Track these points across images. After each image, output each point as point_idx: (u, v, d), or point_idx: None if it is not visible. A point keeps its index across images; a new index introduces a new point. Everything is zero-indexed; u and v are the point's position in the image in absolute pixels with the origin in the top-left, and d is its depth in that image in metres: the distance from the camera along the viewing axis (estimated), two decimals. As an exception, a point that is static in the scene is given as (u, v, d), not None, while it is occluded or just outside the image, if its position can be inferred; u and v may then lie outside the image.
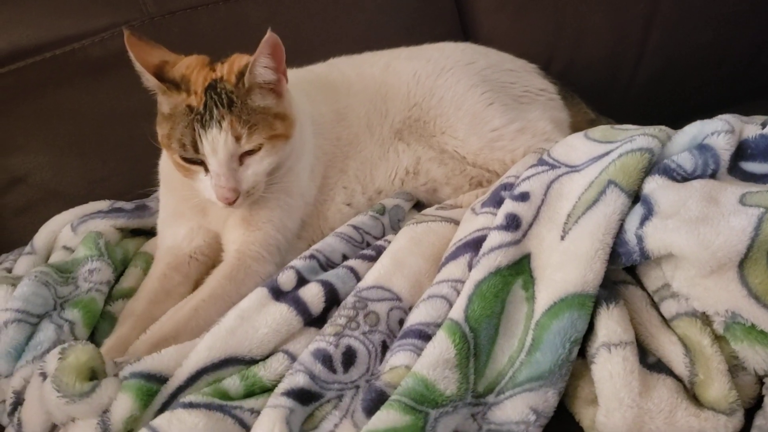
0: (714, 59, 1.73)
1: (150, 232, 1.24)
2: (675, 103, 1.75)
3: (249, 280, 1.05)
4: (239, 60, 1.05)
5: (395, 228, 1.13)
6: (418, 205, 1.26)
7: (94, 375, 0.84)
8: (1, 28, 1.41)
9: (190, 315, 1.00)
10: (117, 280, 1.12)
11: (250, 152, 1.03)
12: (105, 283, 1.06)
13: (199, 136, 0.99)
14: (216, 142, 0.99)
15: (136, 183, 1.28)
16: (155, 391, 0.83)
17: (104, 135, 1.42)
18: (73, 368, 0.80)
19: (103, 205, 1.29)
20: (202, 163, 1.03)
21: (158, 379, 0.84)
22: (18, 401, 0.87)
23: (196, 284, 1.12)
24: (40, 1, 1.43)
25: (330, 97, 1.26)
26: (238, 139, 1.00)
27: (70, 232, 1.21)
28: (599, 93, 1.61)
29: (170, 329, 0.98)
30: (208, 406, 0.79)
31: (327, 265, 1.01)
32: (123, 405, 0.80)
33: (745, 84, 1.79)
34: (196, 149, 1.00)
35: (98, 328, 1.03)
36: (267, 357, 0.88)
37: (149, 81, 1.03)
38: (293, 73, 1.21)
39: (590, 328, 0.82)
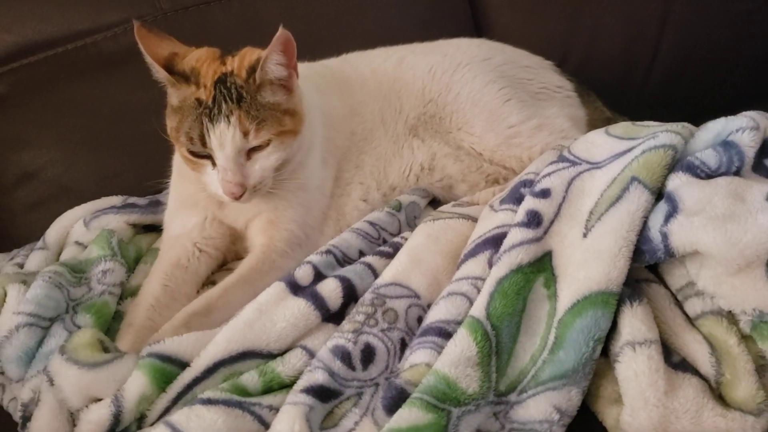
0: (730, 58, 1.72)
1: (162, 229, 1.23)
2: (691, 101, 1.73)
3: (273, 272, 1.05)
4: (250, 54, 1.04)
5: (411, 225, 1.12)
6: (434, 202, 1.25)
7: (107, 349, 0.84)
8: (14, 22, 1.40)
9: (220, 294, 1.01)
10: (128, 278, 1.11)
11: (258, 147, 1.02)
12: (118, 284, 1.05)
13: (207, 130, 0.99)
14: (224, 137, 0.98)
15: (149, 178, 1.27)
16: (171, 374, 0.83)
17: (116, 130, 1.41)
18: (84, 343, 0.81)
19: (117, 200, 1.28)
20: (209, 157, 1.02)
21: (175, 362, 0.84)
22: (26, 416, 0.85)
23: (203, 283, 1.12)
24: (52, -3, 1.43)
25: (343, 91, 1.26)
26: (246, 134, 1.00)
27: (83, 228, 1.20)
28: (614, 91, 1.60)
29: (202, 306, 0.98)
30: (227, 403, 0.78)
31: (343, 260, 1.00)
32: (137, 383, 0.80)
33: (762, 82, 1.77)
34: (204, 143, 1.00)
35: (109, 329, 1.01)
36: (285, 352, 0.87)
37: (159, 73, 1.02)
38: (305, 67, 1.21)
39: (613, 327, 0.80)
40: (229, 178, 1.00)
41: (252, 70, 1.02)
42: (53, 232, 1.22)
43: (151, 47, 1.01)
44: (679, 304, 0.84)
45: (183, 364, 0.84)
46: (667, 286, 0.86)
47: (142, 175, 1.32)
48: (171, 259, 1.11)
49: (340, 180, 1.21)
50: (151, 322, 1.01)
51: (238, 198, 1.02)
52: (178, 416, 0.77)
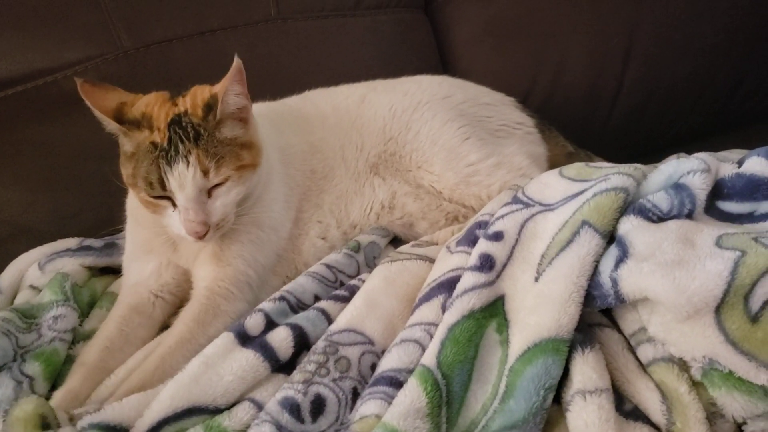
0: (694, 91, 1.74)
1: (119, 271, 1.21)
2: (655, 134, 1.75)
3: (218, 321, 1.03)
4: (202, 91, 1.04)
5: (371, 265, 1.11)
6: (395, 240, 1.24)
7: (47, 425, 0.80)
8: (-27, 62, 1.39)
9: (156, 364, 0.96)
10: (82, 322, 1.09)
11: (218, 184, 1.01)
12: (69, 330, 1.03)
13: (165, 172, 0.97)
14: (183, 178, 0.97)
15: (108, 218, 1.26)
16: (115, 442, 0.80)
17: (76, 170, 1.40)
18: (21, 420, 0.78)
19: (72, 242, 1.26)
20: (169, 199, 1.01)
21: (118, 430, 0.81)
22: None
23: (160, 327, 1.09)
24: (12, 35, 1.41)
25: (302, 128, 1.25)
26: (206, 173, 0.99)
27: (38, 271, 1.18)
28: (579, 125, 1.62)
29: (137, 383, 0.93)
30: (170, 460, 0.76)
31: (298, 306, 0.99)
32: None
33: (725, 115, 1.80)
34: (163, 186, 0.98)
35: (60, 375, 0.99)
36: (232, 405, 0.85)
37: (109, 125, 1.02)
38: (263, 106, 1.21)
39: (565, 373, 0.79)
40: (192, 217, 0.99)
41: (209, 107, 1.01)
42: (7, 276, 1.20)
43: (97, 101, 1.00)
44: (632, 350, 0.83)
45: (127, 431, 0.81)
46: (620, 331, 0.85)
47: (101, 216, 1.32)
48: (129, 304, 1.10)
49: (299, 221, 1.20)
50: (103, 364, 1.00)
51: (202, 237, 1.00)
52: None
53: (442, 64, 1.71)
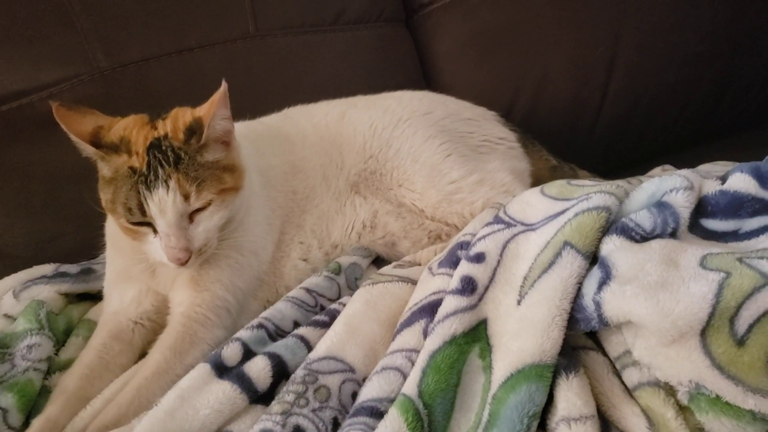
0: (678, 100, 1.73)
1: (96, 296, 1.20)
2: (641, 144, 1.74)
3: (195, 349, 1.01)
4: (183, 115, 1.02)
5: (352, 287, 1.09)
6: (378, 260, 1.22)
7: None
8: (-53, 84, 1.36)
9: (132, 397, 0.94)
10: (58, 351, 1.07)
11: (200, 208, 0.99)
12: (44, 360, 1.01)
13: (145, 198, 0.95)
14: (164, 203, 0.95)
15: (87, 242, 1.24)
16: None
17: (54, 193, 1.37)
18: None
19: (48, 269, 1.24)
20: (149, 224, 0.99)
21: None
22: None
23: (140, 353, 1.07)
24: (-14, 57, 1.39)
25: (283, 148, 1.23)
26: (186, 197, 0.97)
27: (12, 299, 1.16)
28: (563, 137, 1.61)
29: (112, 417, 0.91)
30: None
31: (276, 334, 0.97)
32: None
33: (711, 124, 1.79)
34: (143, 212, 0.96)
35: (35, 406, 0.97)
36: (210, 439, 0.82)
37: (86, 150, 1.00)
38: (242, 126, 1.19)
39: (550, 399, 0.77)
40: (173, 244, 0.97)
41: (191, 130, 0.99)
42: (-19, 305, 1.17)
43: (73, 126, 0.98)
44: (618, 373, 0.81)
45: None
46: (605, 353, 0.83)
47: (79, 240, 1.30)
48: (110, 331, 1.07)
49: (281, 243, 1.18)
50: (83, 392, 0.98)
51: (184, 263, 0.98)
52: None
53: (425, 78, 1.70)
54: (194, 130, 0.99)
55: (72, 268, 1.24)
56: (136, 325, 1.09)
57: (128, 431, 0.82)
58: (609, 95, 1.68)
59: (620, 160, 1.65)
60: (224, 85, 0.97)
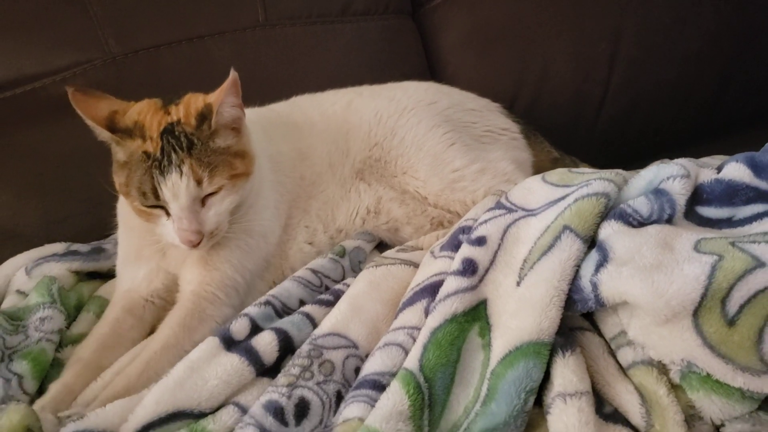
0: (679, 97, 1.75)
1: (106, 275, 1.22)
2: (641, 140, 1.76)
3: (203, 325, 1.03)
4: (195, 101, 1.04)
5: (356, 270, 1.12)
6: (381, 245, 1.24)
7: (32, 434, 0.81)
8: (-38, 67, 1.39)
9: (141, 369, 0.96)
10: (69, 325, 1.09)
11: (212, 193, 1.01)
12: (56, 331, 1.04)
13: (158, 182, 0.98)
14: (177, 188, 0.98)
15: (97, 223, 1.27)
16: (99, 449, 0.80)
17: (65, 175, 1.40)
18: (8, 428, 0.77)
19: (59, 247, 1.26)
20: (163, 207, 1.01)
21: None
22: None
23: (150, 329, 1.09)
24: (1, 41, 1.42)
25: (292, 135, 1.26)
26: (199, 182, 0.99)
27: (24, 276, 1.18)
28: (565, 131, 1.63)
29: (121, 388, 0.93)
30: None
31: (283, 311, 0.99)
32: None
33: (711, 122, 1.80)
34: (157, 196, 0.99)
35: (48, 376, 0.99)
36: (217, 410, 0.85)
37: (102, 134, 1.02)
38: (252, 112, 1.21)
39: (547, 377, 0.80)
40: (185, 226, 0.99)
41: (202, 116, 1.01)
42: (-5, 282, 1.20)
43: (89, 110, 1.00)
44: (613, 353, 0.84)
45: (110, 438, 0.82)
46: (601, 335, 0.86)
47: (90, 221, 1.32)
48: (123, 307, 1.11)
49: (287, 227, 1.20)
50: (97, 361, 1.01)
51: (195, 245, 1.01)
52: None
53: (430, 70, 1.72)
54: (205, 116, 1.01)
55: (83, 247, 1.26)
56: (147, 302, 1.12)
57: (138, 400, 0.85)
58: (610, 90, 1.70)
59: (621, 156, 1.66)
60: (233, 73, 0.99)
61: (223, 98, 1.00)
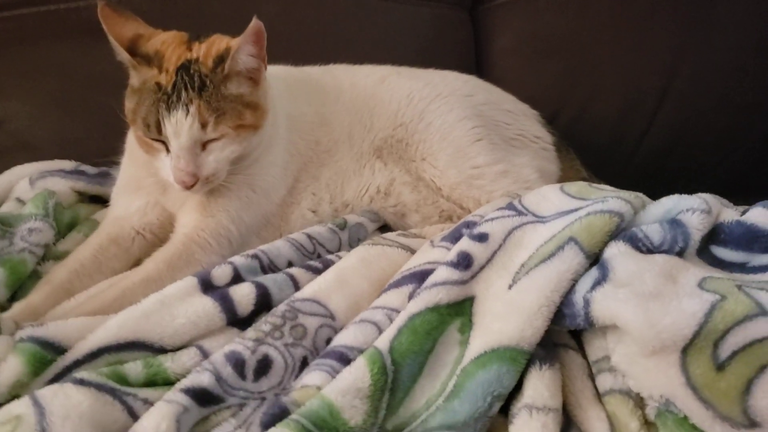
0: (726, 145, 1.70)
1: (108, 201, 1.21)
2: (677, 180, 1.68)
3: (188, 268, 1.01)
4: (219, 42, 1.02)
5: (353, 245, 1.08)
6: (385, 228, 1.21)
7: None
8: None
9: (116, 296, 0.94)
10: (57, 242, 1.09)
11: (215, 138, 1.00)
12: (42, 245, 1.02)
13: (163, 117, 0.96)
14: (180, 126, 0.96)
15: (111, 150, 1.25)
16: (50, 361, 0.78)
17: (89, 96, 1.39)
18: None
19: (68, 164, 1.26)
20: (164, 143, 1.00)
21: (55, 349, 0.79)
22: None
23: (135, 263, 1.08)
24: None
25: (316, 99, 1.24)
26: (204, 125, 0.97)
27: (27, 185, 1.18)
28: (600, 156, 1.59)
29: (91, 309, 0.91)
30: (99, 387, 0.74)
31: (269, 268, 0.97)
32: (12, 368, 0.76)
33: (752, 178, 1.74)
34: (160, 130, 0.97)
35: (24, 287, 0.98)
36: (179, 349, 0.83)
37: (121, 55, 1.01)
38: (282, 69, 1.19)
39: (519, 387, 0.76)
40: (182, 166, 0.98)
41: (220, 59, 0.99)
42: (-3, 186, 1.20)
43: (115, 28, 0.99)
44: (593, 377, 0.80)
45: (64, 351, 0.80)
46: (585, 356, 0.82)
47: (105, 146, 1.30)
48: (109, 234, 1.09)
49: (293, 189, 1.18)
50: (69, 285, 0.99)
51: (189, 187, 0.99)
52: (45, 391, 0.72)
53: (476, 67, 1.69)
54: (223, 58, 0.99)
55: (90, 169, 1.26)
56: (138, 235, 1.10)
57: (101, 321, 0.83)
58: (655, 124, 1.65)
59: (653, 192, 1.62)
60: (255, 22, 0.97)
61: (240, 44, 0.98)
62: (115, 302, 0.93)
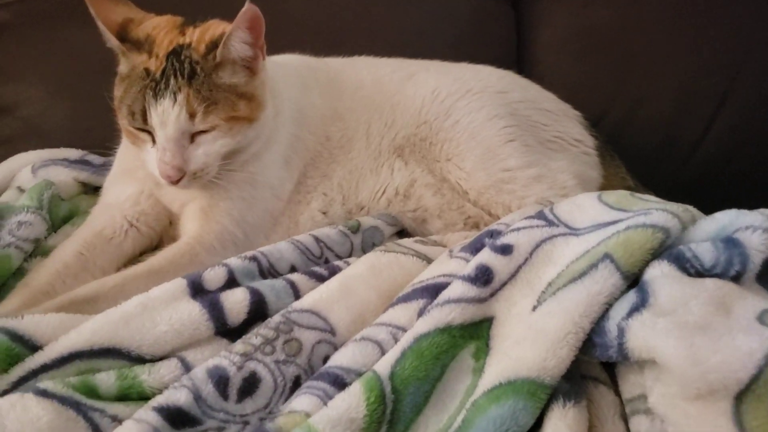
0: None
1: (111, 193, 1.15)
2: (734, 191, 1.56)
3: (191, 267, 0.94)
4: (215, 28, 0.97)
5: (367, 251, 0.99)
6: (403, 234, 1.12)
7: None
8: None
9: (115, 283, 0.89)
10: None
11: (205, 130, 0.94)
12: (31, 240, 0.97)
13: (149, 105, 0.91)
14: (167, 115, 0.91)
15: (121, 137, 1.19)
16: (20, 356, 0.72)
17: (102, 82, 1.32)
18: None
19: (73, 153, 1.22)
20: (150, 133, 0.94)
21: (27, 344, 0.73)
22: None
23: (126, 262, 1.02)
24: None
25: (332, 92, 1.16)
26: (192, 116, 0.92)
27: (29, 174, 1.15)
28: (650, 163, 1.48)
29: (89, 293, 0.87)
30: (63, 400, 0.67)
31: (269, 272, 0.89)
32: None
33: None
34: (145, 119, 0.92)
35: (7, 285, 0.92)
36: (160, 359, 0.75)
37: (110, 41, 0.96)
38: (298, 59, 1.12)
39: (539, 423, 0.66)
40: (167, 159, 0.92)
41: (213, 45, 0.94)
42: (-1, 172, 1.16)
43: (102, 11, 0.94)
44: (626, 418, 0.69)
45: (36, 348, 0.73)
46: (618, 393, 0.71)
47: (116, 135, 1.25)
48: (95, 227, 1.03)
49: (301, 185, 1.11)
50: (50, 288, 0.92)
51: (174, 182, 0.94)
52: (2, 401, 0.66)
53: (517, 63, 1.58)
54: (216, 45, 0.94)
55: (96, 159, 1.22)
56: (130, 227, 1.04)
57: (79, 321, 0.76)
58: (713, 129, 1.52)
59: (707, 204, 1.49)
60: (248, 6, 0.90)
61: (232, 31, 0.92)
62: (116, 287, 0.89)
